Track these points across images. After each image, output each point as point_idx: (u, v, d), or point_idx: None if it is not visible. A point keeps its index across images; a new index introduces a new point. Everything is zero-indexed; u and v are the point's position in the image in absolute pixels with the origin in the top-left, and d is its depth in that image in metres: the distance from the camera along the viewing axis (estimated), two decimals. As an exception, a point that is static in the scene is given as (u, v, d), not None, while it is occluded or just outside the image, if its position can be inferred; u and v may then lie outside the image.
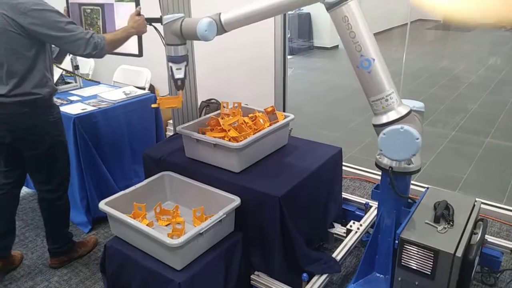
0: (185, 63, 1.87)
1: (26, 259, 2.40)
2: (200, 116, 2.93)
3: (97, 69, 3.86)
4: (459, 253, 1.51)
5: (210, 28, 1.67)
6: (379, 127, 1.55)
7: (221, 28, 1.71)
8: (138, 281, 1.76)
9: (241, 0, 1.68)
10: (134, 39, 2.58)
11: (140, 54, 2.61)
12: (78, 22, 2.85)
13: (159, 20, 2.45)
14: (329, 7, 1.52)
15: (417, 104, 1.70)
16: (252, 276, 1.90)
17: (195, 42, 2.51)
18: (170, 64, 1.86)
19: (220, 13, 1.71)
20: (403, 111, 1.52)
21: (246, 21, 1.70)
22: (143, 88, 3.24)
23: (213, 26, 1.68)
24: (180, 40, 1.79)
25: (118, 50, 2.76)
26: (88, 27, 2.83)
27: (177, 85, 1.90)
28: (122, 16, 2.62)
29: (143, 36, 2.30)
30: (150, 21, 2.58)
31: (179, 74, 1.86)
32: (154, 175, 2.06)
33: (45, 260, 2.38)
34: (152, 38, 2.60)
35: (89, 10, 2.75)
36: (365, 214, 2.30)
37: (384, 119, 1.53)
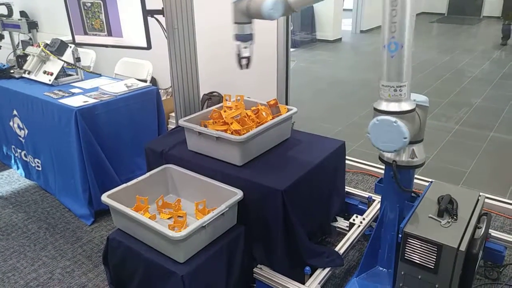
0: (251, 41, 1.86)
1: (29, 251, 2.41)
2: (202, 109, 2.92)
3: (99, 61, 3.84)
4: (463, 248, 1.50)
5: (276, 7, 1.66)
6: (377, 111, 1.52)
7: (289, 8, 1.68)
8: (141, 273, 1.77)
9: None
10: (141, 33, 2.54)
11: (149, 47, 2.59)
12: (78, 17, 2.82)
13: (161, 12, 2.44)
14: None
15: (421, 98, 1.68)
16: (254, 269, 1.90)
17: (197, 34, 2.49)
18: (237, 42, 1.85)
19: None
20: (405, 107, 1.48)
21: None
22: (145, 81, 3.22)
23: (278, 4, 1.66)
24: (247, 18, 1.77)
25: (125, 44, 2.72)
26: (90, 21, 2.79)
27: (242, 64, 1.89)
28: (126, 9, 2.59)
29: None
30: (153, 13, 2.56)
31: (246, 53, 1.86)
32: (156, 168, 2.06)
33: (47, 252, 2.39)
34: (153, 31, 2.59)
35: (89, 4, 2.72)
36: (368, 208, 2.29)
37: (384, 106, 1.49)
